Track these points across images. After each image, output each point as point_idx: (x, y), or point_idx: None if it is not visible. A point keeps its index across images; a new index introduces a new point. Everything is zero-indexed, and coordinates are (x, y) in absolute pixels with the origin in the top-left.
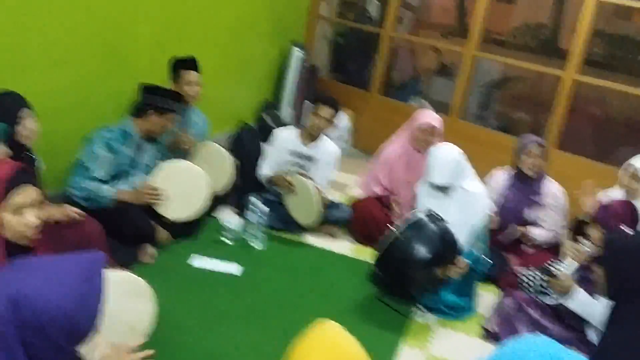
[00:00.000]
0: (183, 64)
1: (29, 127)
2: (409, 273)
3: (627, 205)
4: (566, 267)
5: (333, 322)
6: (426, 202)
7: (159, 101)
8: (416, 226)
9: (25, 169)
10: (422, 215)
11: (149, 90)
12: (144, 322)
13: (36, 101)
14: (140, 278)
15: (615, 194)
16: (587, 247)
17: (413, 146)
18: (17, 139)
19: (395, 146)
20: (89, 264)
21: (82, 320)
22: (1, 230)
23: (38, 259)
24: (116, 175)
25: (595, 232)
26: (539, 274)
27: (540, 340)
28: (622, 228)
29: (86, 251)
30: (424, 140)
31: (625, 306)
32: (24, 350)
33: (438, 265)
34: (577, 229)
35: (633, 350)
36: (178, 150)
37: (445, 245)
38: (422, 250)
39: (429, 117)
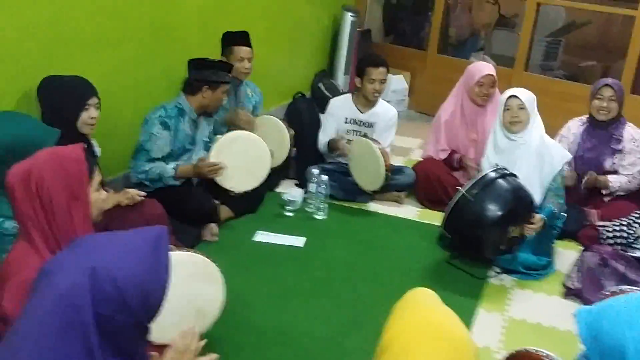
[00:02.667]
0: (234, 39)
1: (93, 116)
2: (481, 233)
3: None
4: None
5: (428, 290)
6: (496, 156)
7: (209, 75)
8: (484, 183)
9: (85, 149)
10: (489, 171)
11: (198, 65)
12: (213, 307)
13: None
14: (210, 261)
15: None
16: None
17: (473, 101)
18: (79, 126)
19: (452, 105)
20: (154, 237)
21: (155, 291)
22: (90, 207)
23: (105, 234)
24: (176, 153)
25: None
26: (624, 225)
27: None
28: None
29: (149, 227)
30: (484, 93)
31: None
32: (97, 329)
33: (511, 224)
34: None
35: None
36: (235, 127)
37: (518, 202)
38: (492, 209)
39: (485, 68)
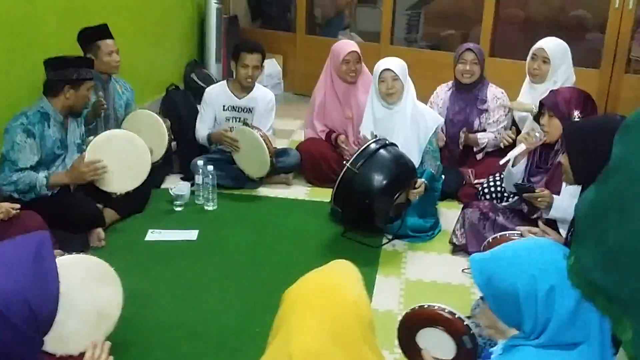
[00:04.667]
0: (98, 34)
1: None
2: (370, 203)
3: (575, 89)
4: (513, 153)
5: (345, 262)
6: (374, 126)
7: (70, 73)
8: (367, 155)
9: None
10: (370, 143)
11: (56, 65)
12: (112, 308)
13: None
14: (102, 261)
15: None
16: (537, 133)
17: (343, 79)
18: None
19: (324, 85)
20: (36, 244)
21: (43, 303)
22: None
23: None
24: (46, 160)
25: (544, 118)
26: (497, 180)
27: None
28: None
29: (28, 234)
30: (351, 70)
31: None
32: None
33: (397, 191)
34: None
35: None
36: (100, 119)
37: (401, 169)
38: (378, 178)
39: (347, 45)
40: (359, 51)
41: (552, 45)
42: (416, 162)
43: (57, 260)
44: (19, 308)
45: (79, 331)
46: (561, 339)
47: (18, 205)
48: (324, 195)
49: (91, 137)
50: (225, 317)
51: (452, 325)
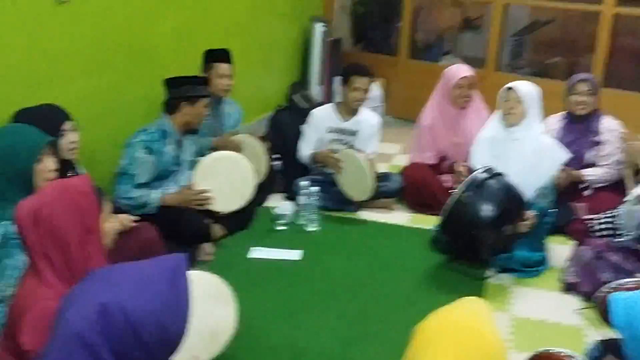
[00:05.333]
0: (214, 56)
1: (72, 140)
2: (477, 234)
3: None
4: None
5: (476, 299)
6: (490, 147)
7: (187, 90)
8: (476, 185)
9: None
10: (479, 173)
11: (174, 83)
12: (226, 329)
13: (71, 111)
14: (220, 280)
15: None
16: None
17: (453, 104)
18: (61, 154)
19: (433, 109)
20: (173, 268)
21: (174, 325)
22: (103, 239)
23: (120, 266)
24: (161, 176)
25: None
26: (611, 217)
27: None
28: None
29: (167, 255)
30: (464, 95)
31: None
32: None
33: (506, 222)
34: None
35: None
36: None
37: (511, 200)
38: (487, 209)
39: (461, 70)
40: (473, 76)
41: None
42: (530, 194)
43: None
44: (152, 328)
45: (192, 347)
46: None
47: (135, 217)
48: (426, 222)
49: (200, 158)
50: (329, 341)
51: None
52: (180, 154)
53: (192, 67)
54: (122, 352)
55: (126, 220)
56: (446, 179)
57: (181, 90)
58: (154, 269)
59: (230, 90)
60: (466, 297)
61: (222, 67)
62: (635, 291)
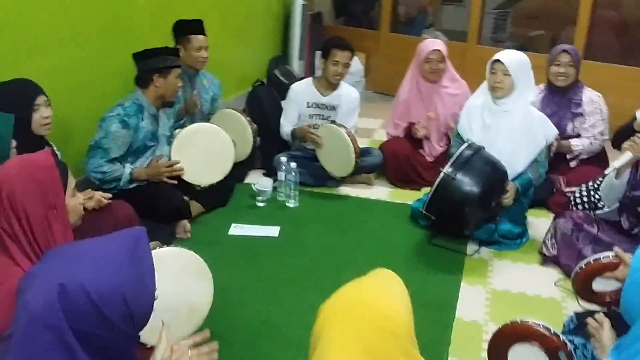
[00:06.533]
0: (190, 28)
1: (45, 115)
2: (467, 210)
3: None
4: (619, 162)
5: (385, 270)
6: (481, 118)
7: (157, 62)
8: (463, 161)
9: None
10: (464, 149)
11: (143, 56)
12: (203, 302)
13: (43, 86)
14: (197, 256)
15: None
16: None
17: (425, 78)
18: (33, 129)
19: (408, 84)
20: (133, 241)
21: (138, 300)
22: (68, 215)
23: (78, 243)
24: (137, 151)
25: None
26: (591, 189)
27: None
28: None
29: (125, 230)
30: (434, 69)
31: None
32: (81, 345)
33: (492, 198)
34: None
35: None
36: (190, 116)
37: (495, 175)
38: (476, 184)
39: (432, 44)
40: (442, 50)
41: None
42: (520, 168)
43: (154, 252)
44: (116, 305)
45: (171, 322)
46: None
47: (109, 195)
48: (407, 197)
49: (178, 130)
50: (307, 317)
51: (548, 341)
52: (156, 129)
53: (169, 40)
54: (86, 331)
55: (100, 196)
56: (426, 152)
57: (151, 62)
58: (113, 245)
59: (205, 63)
60: (374, 270)
61: (199, 39)
62: None
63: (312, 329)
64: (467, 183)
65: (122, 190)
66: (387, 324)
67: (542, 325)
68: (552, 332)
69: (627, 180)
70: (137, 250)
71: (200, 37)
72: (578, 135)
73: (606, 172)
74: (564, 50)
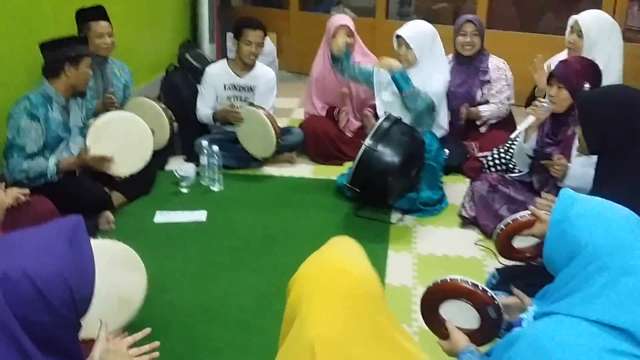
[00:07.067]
0: (90, 15)
1: None
2: (390, 180)
3: (585, 60)
4: (522, 126)
5: (345, 238)
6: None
7: (68, 51)
8: (383, 133)
9: None
10: (383, 121)
11: (52, 46)
12: (136, 294)
13: None
14: (128, 247)
15: (562, 56)
16: (545, 104)
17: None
18: None
19: (321, 60)
20: (71, 228)
21: (80, 285)
22: None
23: (16, 233)
24: (51, 143)
25: (553, 89)
26: (502, 152)
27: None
28: (584, 84)
29: (62, 218)
30: (342, 44)
31: (608, 165)
32: (28, 334)
33: (412, 166)
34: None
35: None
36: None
37: (413, 143)
38: (394, 156)
39: (338, 20)
40: (349, 25)
41: (588, 18)
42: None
43: None
44: (59, 290)
45: (103, 315)
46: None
47: (27, 191)
48: (329, 172)
49: (91, 120)
50: (241, 297)
51: (476, 297)
52: (68, 120)
53: (74, 30)
54: (31, 319)
55: (17, 193)
56: (345, 127)
57: (62, 52)
58: (52, 232)
59: (111, 49)
60: (333, 239)
61: (101, 25)
62: (593, 197)
63: (287, 301)
64: (388, 154)
65: (41, 185)
66: (363, 287)
67: (471, 282)
68: (480, 288)
69: (534, 143)
70: (76, 237)
71: (103, 23)
72: (487, 102)
73: (512, 135)
74: (468, 20)
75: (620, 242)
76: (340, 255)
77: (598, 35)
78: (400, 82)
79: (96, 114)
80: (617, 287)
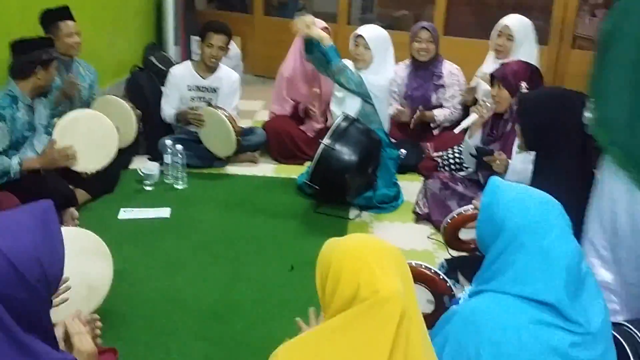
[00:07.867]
0: (58, 15)
1: None
2: (348, 178)
3: (522, 62)
4: (466, 122)
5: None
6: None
7: (40, 54)
8: (340, 132)
9: None
10: (341, 121)
11: (25, 47)
12: (103, 283)
13: None
14: (96, 236)
15: (488, 63)
16: (487, 103)
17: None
18: None
19: (290, 62)
20: (42, 210)
21: (52, 263)
22: None
23: None
24: (16, 143)
25: (494, 89)
26: (455, 152)
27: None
28: (521, 84)
29: (32, 202)
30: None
31: (544, 160)
32: (7, 312)
33: (368, 163)
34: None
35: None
36: (67, 102)
37: (370, 142)
38: (352, 154)
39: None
40: (324, 27)
41: (517, 23)
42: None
43: None
44: (33, 267)
45: (70, 303)
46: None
47: None
48: (291, 171)
49: (56, 119)
50: (203, 287)
51: (436, 285)
52: (33, 119)
53: (39, 30)
54: (7, 295)
55: None
56: (306, 128)
57: (35, 55)
58: (24, 214)
59: (79, 48)
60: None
61: (68, 25)
62: (518, 184)
63: (317, 277)
64: (346, 152)
65: (5, 182)
66: (396, 253)
67: (433, 271)
68: (441, 277)
69: (479, 139)
70: (47, 218)
71: (70, 22)
72: (441, 105)
73: (455, 130)
74: (423, 27)
75: (535, 223)
76: (364, 235)
77: (524, 38)
78: (331, 54)
79: (56, 104)
80: (536, 264)
